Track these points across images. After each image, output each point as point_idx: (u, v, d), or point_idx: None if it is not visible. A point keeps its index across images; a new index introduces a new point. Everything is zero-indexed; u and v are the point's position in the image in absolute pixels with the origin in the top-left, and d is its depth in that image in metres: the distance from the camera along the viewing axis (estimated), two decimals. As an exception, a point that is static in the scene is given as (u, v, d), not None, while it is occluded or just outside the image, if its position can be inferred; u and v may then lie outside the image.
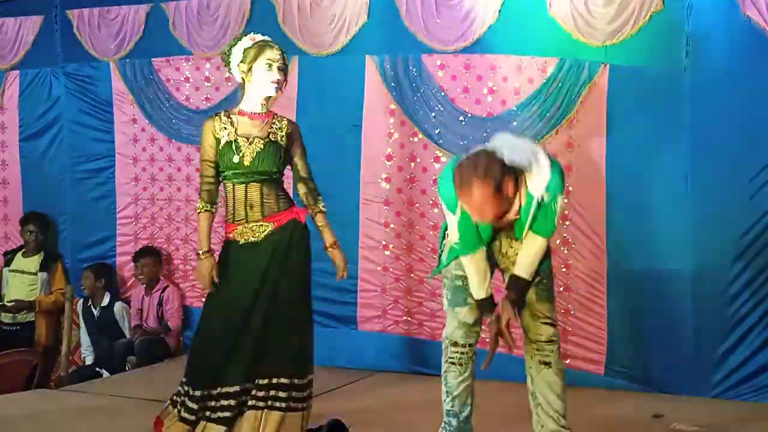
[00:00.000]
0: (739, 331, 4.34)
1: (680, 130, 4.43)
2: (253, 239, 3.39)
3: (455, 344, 3.35)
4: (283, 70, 3.44)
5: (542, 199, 3.06)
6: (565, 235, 4.66)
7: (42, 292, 5.95)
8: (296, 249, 3.43)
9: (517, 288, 3.20)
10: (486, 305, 3.27)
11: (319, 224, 3.56)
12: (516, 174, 2.98)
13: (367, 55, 5.04)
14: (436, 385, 4.59)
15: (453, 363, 3.34)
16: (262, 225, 3.39)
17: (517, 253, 3.23)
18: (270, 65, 3.41)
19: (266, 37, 3.54)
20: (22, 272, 5.99)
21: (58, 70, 6.04)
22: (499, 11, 4.69)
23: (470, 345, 3.35)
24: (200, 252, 3.44)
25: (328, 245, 3.57)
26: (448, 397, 3.37)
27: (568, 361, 4.65)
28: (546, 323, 3.29)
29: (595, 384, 4.56)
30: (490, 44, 4.76)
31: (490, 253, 3.30)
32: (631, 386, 4.52)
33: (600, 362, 4.61)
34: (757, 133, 4.29)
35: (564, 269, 4.66)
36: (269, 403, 3.32)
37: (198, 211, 3.49)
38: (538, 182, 3.03)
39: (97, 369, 5.52)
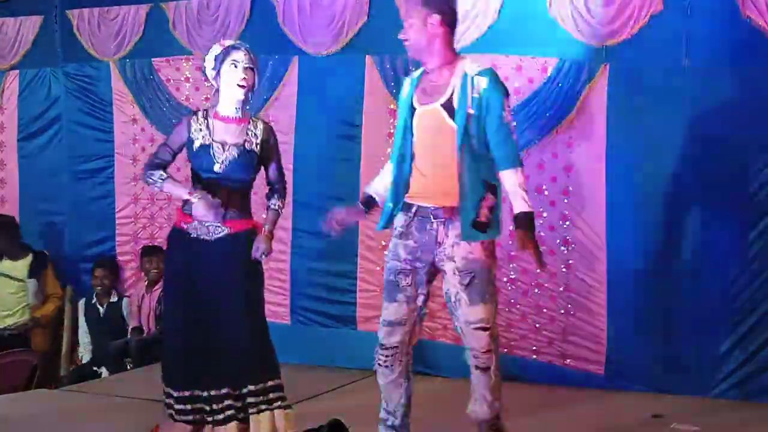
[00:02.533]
0: (740, 331, 4.34)
1: (680, 130, 4.43)
2: (205, 237, 3.40)
3: (381, 346, 3.25)
4: (252, 68, 3.45)
5: (478, 84, 3.10)
6: (564, 234, 4.66)
7: (33, 299, 5.73)
8: (249, 257, 3.43)
9: (521, 222, 3.10)
10: (367, 200, 3.35)
11: (268, 214, 3.56)
12: (452, 25, 3.23)
13: (367, 55, 5.03)
14: (436, 384, 4.61)
15: (379, 365, 3.26)
16: (218, 227, 3.40)
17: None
18: (235, 65, 3.42)
19: (236, 41, 3.60)
20: (9, 277, 5.74)
21: (58, 70, 6.03)
22: (499, 11, 4.69)
23: (394, 346, 3.21)
24: (186, 197, 3.40)
25: (264, 231, 3.52)
26: (382, 397, 3.32)
27: (568, 361, 4.69)
28: (479, 329, 3.14)
29: (595, 384, 4.57)
30: (490, 44, 4.74)
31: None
32: (631, 386, 4.51)
33: (600, 362, 4.60)
34: (758, 133, 4.29)
35: (564, 269, 4.66)
36: (258, 408, 3.36)
37: (155, 182, 3.48)
38: (474, 65, 3.17)
39: (95, 368, 5.53)
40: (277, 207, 3.57)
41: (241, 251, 3.41)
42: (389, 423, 3.29)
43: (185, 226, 3.43)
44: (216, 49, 3.50)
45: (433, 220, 3.16)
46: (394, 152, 3.26)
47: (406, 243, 3.19)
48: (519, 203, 3.11)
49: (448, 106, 3.14)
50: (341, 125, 5.13)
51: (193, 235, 3.41)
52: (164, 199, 5.80)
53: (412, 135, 3.20)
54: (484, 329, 3.13)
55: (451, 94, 3.14)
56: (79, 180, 6.00)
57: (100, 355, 5.59)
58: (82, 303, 5.78)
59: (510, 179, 3.12)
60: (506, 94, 3.17)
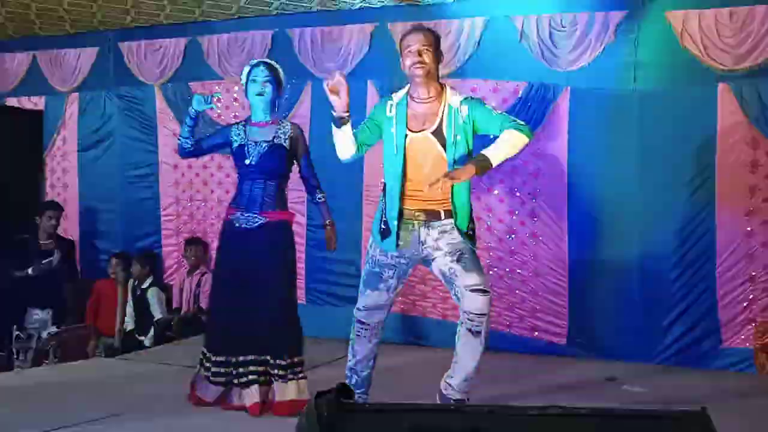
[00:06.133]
0: (679, 308, 4.51)
1: (630, 141, 4.58)
2: (246, 226, 3.49)
3: (360, 322, 3.31)
4: (271, 81, 3.51)
5: (462, 112, 3.07)
6: (533, 229, 4.83)
7: None
8: (282, 245, 3.51)
9: (477, 160, 3.02)
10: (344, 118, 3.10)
11: (321, 209, 3.67)
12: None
13: (368, 80, 5.16)
14: (429, 353, 4.71)
15: (358, 336, 3.32)
16: (256, 217, 3.49)
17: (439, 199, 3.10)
18: (255, 80, 3.51)
19: (258, 60, 3.63)
20: None
21: (111, 92, 6.14)
22: (479, 43, 4.89)
23: (372, 324, 3.28)
24: None
25: (323, 223, 3.66)
26: (353, 358, 3.38)
27: (536, 333, 4.81)
28: (477, 291, 3.03)
29: (559, 352, 4.74)
30: (471, 70, 4.95)
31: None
32: (589, 354, 4.66)
33: (563, 334, 4.78)
34: (694, 142, 4.46)
35: (533, 258, 4.85)
36: (290, 377, 3.44)
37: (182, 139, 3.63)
38: (456, 97, 3.16)
39: (136, 335, 5.70)
40: (322, 199, 3.62)
41: (275, 239, 3.48)
42: (352, 381, 3.31)
43: (231, 218, 3.56)
44: (245, 70, 3.60)
45: (414, 222, 3.16)
46: (387, 169, 3.21)
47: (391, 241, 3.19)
48: (490, 151, 3.04)
49: (438, 134, 3.12)
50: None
51: (237, 225, 3.52)
52: (201, 200, 5.91)
53: (405, 156, 3.15)
54: (483, 292, 3.05)
55: (440, 123, 3.12)
56: (129, 184, 6.12)
57: (140, 327, 5.71)
58: (130, 282, 5.85)
59: (505, 134, 3.07)
60: (483, 103, 3.23)
